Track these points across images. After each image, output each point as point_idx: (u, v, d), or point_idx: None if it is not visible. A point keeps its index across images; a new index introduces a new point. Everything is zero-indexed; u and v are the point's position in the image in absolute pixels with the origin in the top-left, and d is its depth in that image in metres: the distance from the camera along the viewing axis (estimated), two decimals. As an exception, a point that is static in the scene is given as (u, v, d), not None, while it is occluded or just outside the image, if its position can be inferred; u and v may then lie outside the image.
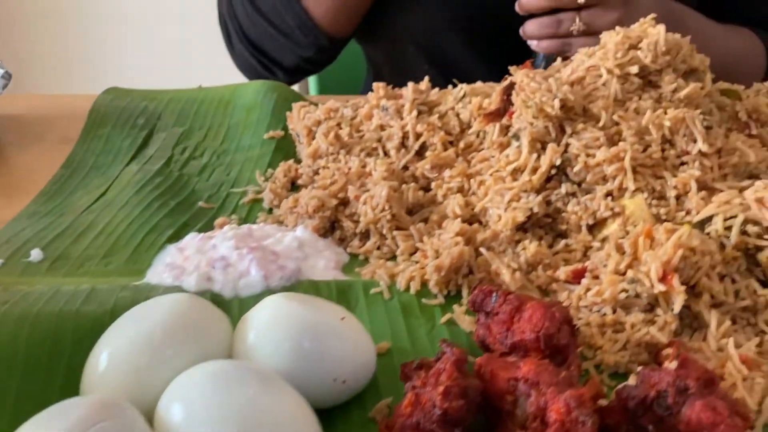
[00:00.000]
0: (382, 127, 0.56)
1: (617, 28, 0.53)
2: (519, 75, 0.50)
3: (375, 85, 0.59)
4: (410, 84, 0.58)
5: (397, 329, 0.41)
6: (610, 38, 0.52)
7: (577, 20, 0.66)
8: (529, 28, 0.70)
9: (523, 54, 0.69)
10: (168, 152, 0.64)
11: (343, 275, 0.46)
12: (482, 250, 0.44)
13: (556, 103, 0.47)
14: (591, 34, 0.67)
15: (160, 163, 0.62)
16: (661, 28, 0.51)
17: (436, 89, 0.60)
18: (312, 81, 1.21)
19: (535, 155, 0.47)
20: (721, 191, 0.44)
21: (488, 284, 0.44)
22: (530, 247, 0.44)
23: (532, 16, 0.70)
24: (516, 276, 0.43)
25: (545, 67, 0.61)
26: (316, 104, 0.64)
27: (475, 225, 0.47)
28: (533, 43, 0.70)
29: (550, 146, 0.47)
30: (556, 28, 0.67)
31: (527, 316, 0.36)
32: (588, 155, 0.46)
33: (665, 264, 0.40)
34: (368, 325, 0.41)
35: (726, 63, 0.83)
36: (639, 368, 0.37)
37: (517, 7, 0.70)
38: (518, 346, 0.36)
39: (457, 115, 0.55)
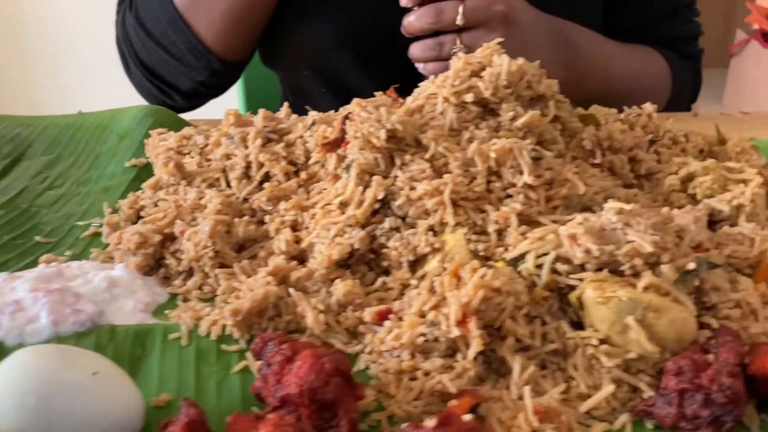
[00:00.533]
0: (227, 156, 0.54)
1: (460, 54, 0.51)
2: (353, 104, 0.48)
3: (227, 111, 0.57)
4: (261, 111, 0.56)
5: (186, 379, 0.39)
6: (453, 65, 0.50)
7: (458, 42, 0.65)
8: (414, 50, 0.68)
9: (416, 75, 0.67)
10: (24, 183, 0.62)
11: (152, 318, 0.44)
12: (291, 290, 0.42)
13: (383, 134, 0.45)
14: None
15: (11, 195, 0.59)
16: (504, 58, 0.49)
17: (294, 116, 0.58)
18: (241, 100, 1.19)
19: (361, 188, 0.45)
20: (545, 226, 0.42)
21: (296, 326, 0.42)
22: (340, 287, 0.42)
23: (419, 38, 0.68)
24: (320, 318, 0.40)
25: None
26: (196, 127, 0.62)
27: (293, 263, 0.44)
28: (419, 66, 0.68)
29: (375, 179, 0.45)
30: (439, 50, 0.66)
31: (296, 367, 0.34)
32: (411, 188, 0.44)
33: (465, 306, 0.37)
34: (156, 375, 0.39)
35: (626, 84, 0.81)
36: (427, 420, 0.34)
37: (402, 30, 0.68)
38: (287, 401, 0.34)
39: (305, 144, 0.53)
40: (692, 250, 0.42)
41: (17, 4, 2.38)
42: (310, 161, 0.51)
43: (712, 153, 0.55)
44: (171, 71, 0.81)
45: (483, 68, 0.49)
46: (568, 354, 0.39)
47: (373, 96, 0.53)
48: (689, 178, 0.47)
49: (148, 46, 0.80)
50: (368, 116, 0.46)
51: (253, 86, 1.15)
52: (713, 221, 0.46)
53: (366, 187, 0.45)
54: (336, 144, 0.49)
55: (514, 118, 0.47)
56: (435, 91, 0.49)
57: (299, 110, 0.66)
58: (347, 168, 0.47)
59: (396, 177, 0.45)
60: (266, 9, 0.78)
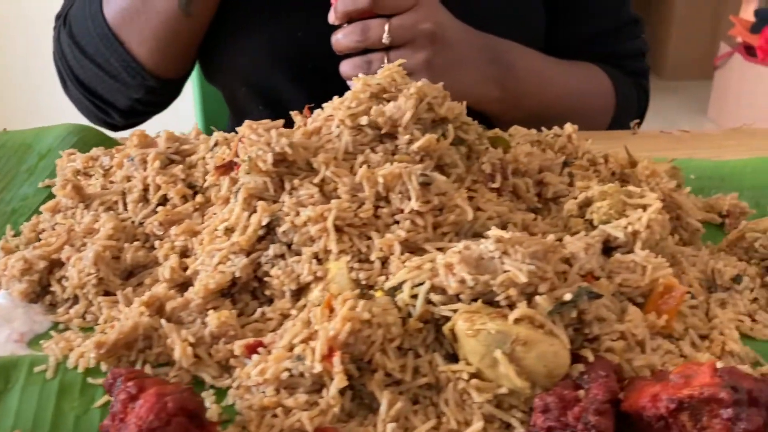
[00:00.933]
0: (128, 179, 0.53)
1: (360, 75, 0.49)
2: (244, 126, 0.47)
3: (132, 132, 0.55)
4: (164, 131, 0.54)
5: (43, 414, 0.37)
6: (358, 85, 0.49)
7: (386, 61, 0.64)
8: (344, 68, 0.67)
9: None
10: None
11: (25, 349, 0.42)
12: (162, 321, 0.40)
13: (270, 157, 0.44)
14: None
15: None
16: (407, 79, 0.48)
17: (203, 136, 0.57)
18: (198, 116, 1.18)
19: (247, 213, 0.44)
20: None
21: (166, 359, 0.40)
22: (213, 317, 0.40)
23: (349, 55, 0.67)
24: (188, 351, 0.39)
25: None
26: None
27: (170, 292, 0.43)
28: (350, 84, 0.67)
29: (260, 204, 0.44)
30: (367, 68, 0.65)
31: (138, 406, 0.32)
32: (297, 214, 0.43)
33: (331, 339, 0.36)
34: (14, 411, 0.37)
35: (565, 101, 0.80)
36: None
37: (333, 48, 0.67)
38: (128, 441, 0.32)
39: (205, 165, 0.52)
40: (581, 278, 0.41)
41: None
42: (206, 184, 0.50)
43: (624, 175, 0.53)
44: (107, 89, 0.80)
45: (383, 90, 0.48)
46: (440, 388, 0.37)
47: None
48: (587, 203, 0.46)
49: (83, 63, 0.79)
50: (258, 139, 0.45)
51: (211, 101, 1.14)
52: (611, 248, 0.44)
53: (253, 212, 0.44)
54: (229, 167, 0.47)
55: (410, 142, 0.46)
56: (332, 114, 0.47)
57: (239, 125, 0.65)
58: (237, 192, 0.46)
59: (282, 203, 0.44)
60: (199, 27, 0.77)
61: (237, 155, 0.47)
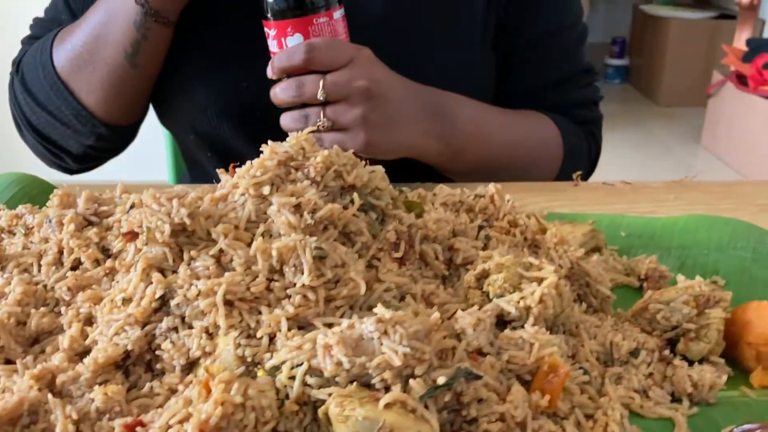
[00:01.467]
0: (45, 240, 0.53)
1: (270, 143, 0.50)
2: (145, 194, 0.47)
3: (54, 192, 0.56)
4: (84, 192, 0.55)
5: None
6: (266, 152, 0.49)
7: (322, 115, 0.65)
8: (283, 121, 0.68)
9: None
10: None
11: None
12: (49, 396, 0.41)
13: (167, 228, 0.44)
14: (338, 129, 0.65)
15: None
16: (317, 155, 0.49)
17: (125, 195, 0.57)
18: (170, 161, 1.19)
19: (144, 284, 0.44)
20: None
21: (52, 435, 0.40)
22: (98, 392, 0.40)
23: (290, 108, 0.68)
24: (70, 428, 0.39)
25: None
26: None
27: (64, 364, 0.43)
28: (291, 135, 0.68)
29: (155, 275, 0.44)
30: (305, 122, 0.66)
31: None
32: (191, 286, 0.43)
33: (203, 423, 0.36)
34: None
35: (510, 152, 0.80)
36: None
37: (272, 100, 0.68)
38: None
39: (120, 228, 0.52)
40: (468, 355, 0.41)
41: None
42: (115, 250, 0.50)
43: (535, 241, 0.53)
44: (60, 135, 0.81)
45: (291, 158, 0.49)
46: (312, 472, 0.37)
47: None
48: (485, 274, 0.46)
49: (35, 110, 0.80)
50: (158, 209, 0.45)
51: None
52: (507, 321, 0.45)
53: (150, 283, 0.44)
54: (135, 235, 0.48)
55: (314, 212, 0.46)
56: (238, 182, 0.48)
57: (193, 170, 0.65)
58: (138, 261, 0.46)
59: (179, 274, 0.44)
60: (146, 78, 0.78)
61: (140, 225, 0.47)
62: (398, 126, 0.69)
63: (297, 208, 0.47)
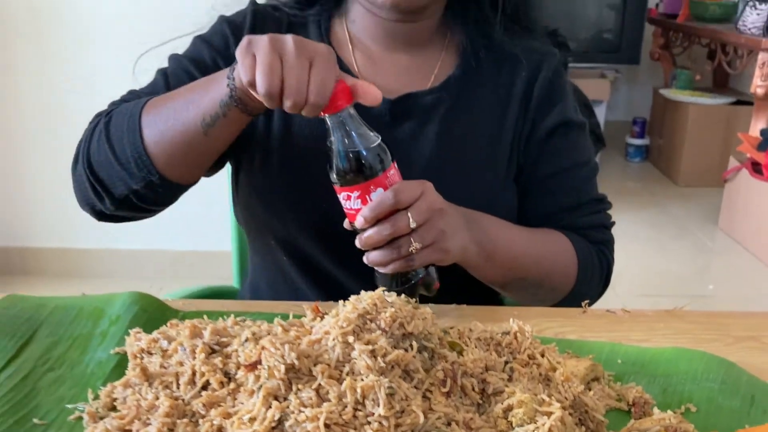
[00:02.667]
0: (180, 363, 0.71)
1: (351, 298, 0.68)
2: (266, 340, 0.65)
3: (184, 325, 0.74)
4: (210, 326, 0.73)
5: None
6: (345, 308, 0.67)
7: (413, 241, 0.80)
8: (375, 257, 0.82)
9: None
10: (32, 364, 0.79)
11: (106, 503, 0.60)
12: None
13: (282, 368, 0.62)
14: (426, 246, 0.81)
15: (20, 377, 0.77)
16: (387, 310, 0.67)
17: (237, 327, 0.75)
18: (235, 268, 1.38)
19: (264, 408, 0.62)
20: (391, 448, 0.58)
21: None
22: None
23: None
24: None
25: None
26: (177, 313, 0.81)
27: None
28: (381, 269, 0.83)
29: (274, 403, 0.62)
30: (398, 253, 0.80)
31: None
32: (300, 412, 0.61)
33: None
34: None
35: (530, 260, 0.98)
36: None
37: (359, 245, 0.82)
38: None
39: (237, 358, 0.70)
40: (496, 471, 0.58)
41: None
42: (238, 375, 0.68)
43: (548, 377, 0.70)
44: (110, 175, 0.91)
45: (367, 312, 0.67)
46: None
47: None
48: (509, 408, 0.63)
49: (102, 147, 0.91)
50: (275, 351, 0.64)
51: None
52: (528, 447, 0.61)
53: (269, 407, 0.62)
54: (254, 366, 0.66)
55: (385, 355, 0.64)
56: (328, 330, 0.66)
57: (265, 272, 0.83)
58: (259, 388, 0.64)
59: (290, 401, 0.62)
60: (213, 149, 0.90)
61: (260, 359, 0.65)
62: (456, 235, 0.85)
63: (372, 353, 0.64)
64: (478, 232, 0.91)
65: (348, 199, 0.81)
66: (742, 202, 3.67)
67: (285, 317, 0.77)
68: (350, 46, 1.03)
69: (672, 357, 0.80)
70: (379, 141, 0.81)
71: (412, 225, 0.79)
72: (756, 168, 3.50)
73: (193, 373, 0.70)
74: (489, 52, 1.04)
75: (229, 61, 0.93)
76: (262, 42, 0.75)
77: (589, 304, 0.95)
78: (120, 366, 0.78)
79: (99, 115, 0.96)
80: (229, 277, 1.43)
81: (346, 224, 0.84)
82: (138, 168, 0.89)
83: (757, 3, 3.81)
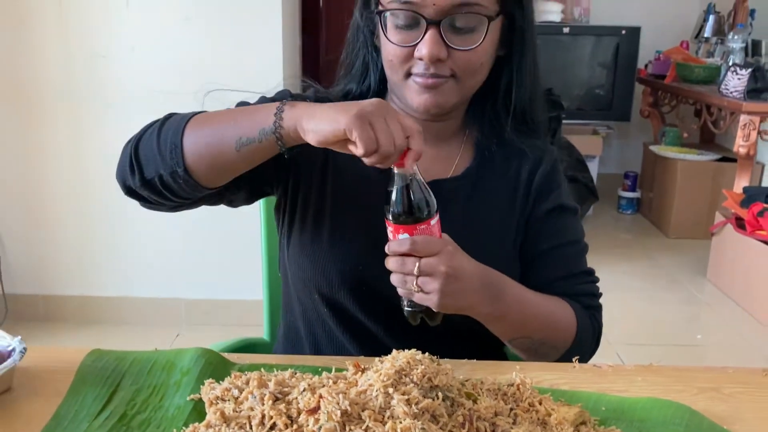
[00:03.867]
0: (251, 408, 0.89)
1: (390, 356, 0.87)
2: (325, 390, 0.83)
3: (251, 379, 0.92)
4: (274, 378, 0.91)
5: None
6: (385, 364, 0.86)
7: (415, 283, 0.99)
8: (392, 279, 1.00)
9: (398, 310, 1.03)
10: (123, 408, 0.97)
11: None
12: (280, 507, 0.76)
13: (338, 413, 0.80)
14: (424, 293, 1.00)
15: (116, 418, 0.94)
16: (418, 367, 0.85)
17: (294, 379, 0.93)
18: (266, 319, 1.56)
19: (325, 445, 0.80)
20: (424, 475, 0.76)
21: None
22: (307, 507, 0.75)
23: None
24: None
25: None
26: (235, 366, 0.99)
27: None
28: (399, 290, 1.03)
29: (332, 441, 0.80)
30: (404, 285, 1.00)
31: None
32: (352, 449, 0.79)
33: None
34: None
35: (539, 319, 1.16)
36: None
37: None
38: None
39: (298, 404, 0.88)
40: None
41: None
42: (300, 419, 0.86)
43: (545, 421, 0.88)
44: (148, 155, 1.03)
45: (403, 369, 0.85)
46: None
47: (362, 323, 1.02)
48: (510, 451, 0.81)
49: (153, 133, 1.04)
50: (332, 399, 0.82)
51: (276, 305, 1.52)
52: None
53: (329, 444, 0.80)
54: (314, 411, 0.84)
55: (417, 403, 0.82)
56: (372, 382, 0.84)
57: (305, 322, 1.04)
58: (319, 429, 0.82)
59: (345, 439, 0.80)
60: (241, 165, 1.03)
61: (319, 404, 0.83)
62: (464, 295, 1.02)
63: (407, 401, 0.83)
64: (494, 294, 1.08)
65: (387, 228, 1.00)
66: (729, 255, 3.86)
67: (327, 370, 0.95)
68: None
69: (647, 405, 0.98)
70: (430, 193, 0.99)
71: (415, 272, 0.98)
72: (740, 223, 3.70)
73: (263, 417, 0.87)
74: (500, 147, 1.24)
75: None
76: (377, 116, 0.91)
77: (584, 361, 1.13)
78: (195, 410, 0.96)
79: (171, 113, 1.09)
80: (240, 324, 1.60)
81: (386, 248, 1.00)
82: (170, 156, 1.00)
83: (738, 68, 4.07)
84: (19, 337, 1.03)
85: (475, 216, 1.21)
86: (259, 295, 1.58)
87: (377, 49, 1.19)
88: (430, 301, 1.00)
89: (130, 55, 2.99)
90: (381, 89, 1.24)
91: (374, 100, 0.95)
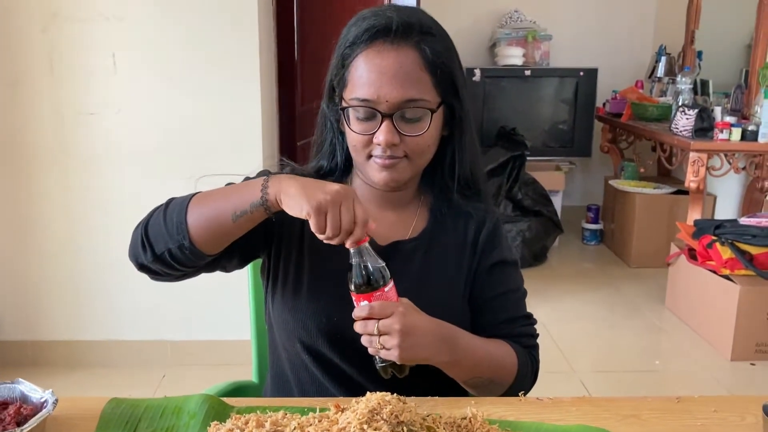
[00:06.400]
0: None
1: (363, 398, 1.07)
2: (310, 428, 1.03)
3: (250, 416, 1.12)
4: (269, 420, 1.11)
5: None
6: (359, 405, 1.06)
7: (377, 340, 1.18)
8: (360, 337, 1.21)
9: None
10: None
11: None
12: None
13: None
14: (386, 348, 1.19)
15: (137, 459, 1.13)
16: (387, 407, 1.06)
17: (285, 420, 1.13)
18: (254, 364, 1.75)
19: (313, 473, 0.99)
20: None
21: None
22: None
23: None
24: None
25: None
26: (233, 408, 1.18)
27: None
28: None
29: (319, 468, 0.99)
30: (369, 343, 1.19)
31: None
32: (335, 474, 0.98)
33: None
34: None
35: (487, 363, 1.36)
36: None
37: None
38: None
39: None
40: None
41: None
42: None
43: (491, 448, 1.09)
44: (157, 233, 1.20)
45: (374, 409, 1.05)
46: None
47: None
48: (466, 469, 1.01)
49: (159, 214, 1.22)
50: (319, 436, 1.02)
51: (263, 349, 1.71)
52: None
53: (316, 472, 0.99)
54: (304, 446, 1.04)
55: (386, 436, 1.02)
56: (350, 420, 1.04)
57: (292, 367, 1.23)
58: (309, 460, 1.01)
59: (329, 467, 0.99)
60: (236, 233, 1.21)
61: None
62: (420, 349, 1.21)
63: None
64: (450, 344, 1.29)
65: (357, 303, 1.17)
66: (683, 284, 4.12)
67: (312, 410, 1.15)
68: None
69: (576, 431, 1.19)
70: (383, 265, 1.15)
71: (375, 331, 1.14)
72: (692, 254, 3.96)
73: (261, 451, 1.07)
74: (450, 210, 1.46)
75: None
76: (333, 206, 1.10)
77: (524, 394, 1.34)
78: (203, 448, 1.15)
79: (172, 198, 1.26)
80: (223, 363, 1.77)
81: (354, 313, 1.16)
82: (177, 232, 1.17)
83: (686, 109, 4.38)
84: (51, 390, 1.21)
85: (431, 271, 1.41)
86: (240, 335, 1.78)
87: (342, 133, 1.41)
88: (393, 355, 1.19)
89: (116, 116, 3.18)
90: (347, 165, 1.46)
91: (337, 187, 1.16)
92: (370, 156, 1.34)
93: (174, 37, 3.15)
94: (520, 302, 1.48)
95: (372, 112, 1.29)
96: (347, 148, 1.41)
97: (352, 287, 1.20)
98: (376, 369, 1.24)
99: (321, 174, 1.46)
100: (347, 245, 1.17)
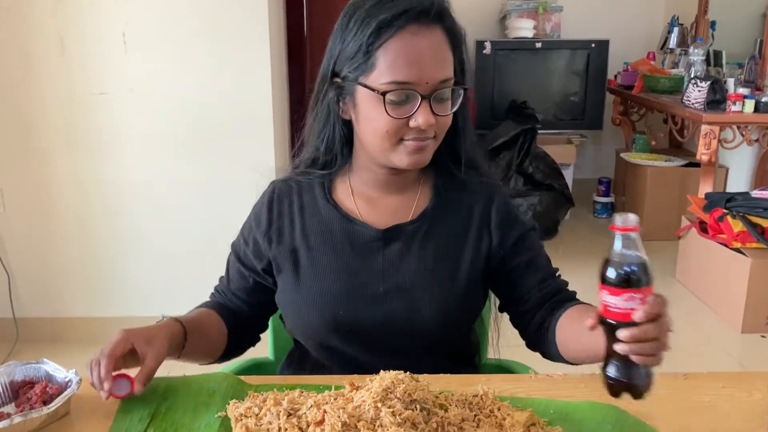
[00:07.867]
0: (270, 422, 1.12)
1: (377, 376, 1.10)
2: (329, 407, 1.07)
3: (268, 394, 1.16)
4: (287, 397, 1.14)
5: None
6: (373, 384, 1.09)
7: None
8: (637, 348, 1.02)
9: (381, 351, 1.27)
10: (164, 426, 1.19)
11: None
12: (298, 498, 0.99)
13: (339, 424, 1.04)
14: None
15: (179, 436, 1.17)
16: (400, 385, 1.09)
17: (302, 398, 1.16)
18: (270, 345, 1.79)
19: (328, 450, 1.03)
20: (407, 469, 0.99)
21: None
22: (319, 497, 0.99)
23: None
24: None
25: None
26: (251, 386, 1.22)
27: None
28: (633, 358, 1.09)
29: (335, 446, 1.03)
30: (654, 349, 1.06)
31: None
32: (351, 451, 1.02)
33: None
34: None
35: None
36: None
37: (623, 335, 1.02)
38: None
39: (307, 417, 1.11)
40: (469, 481, 0.99)
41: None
42: (309, 429, 1.09)
43: (502, 424, 1.12)
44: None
45: (388, 387, 1.09)
46: None
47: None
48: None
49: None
50: (334, 413, 1.05)
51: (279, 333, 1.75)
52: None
53: (331, 450, 1.03)
54: (320, 423, 1.07)
55: (401, 414, 1.06)
56: (365, 399, 1.07)
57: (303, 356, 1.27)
58: (325, 437, 1.05)
59: (345, 445, 1.03)
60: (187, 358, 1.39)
61: (324, 418, 1.06)
62: None
63: (393, 413, 1.06)
64: None
65: (630, 300, 0.99)
66: (694, 257, 4.13)
67: (327, 388, 1.19)
68: (352, 195, 1.47)
69: (586, 408, 1.22)
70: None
71: (672, 329, 1.00)
72: (703, 227, 3.97)
73: (279, 429, 1.10)
74: (454, 188, 1.48)
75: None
76: (96, 356, 1.20)
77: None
78: (222, 426, 1.18)
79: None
80: None
81: (594, 320, 1.05)
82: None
83: (698, 81, 4.34)
84: (74, 370, 1.25)
85: (432, 251, 1.43)
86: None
87: (346, 122, 1.40)
88: (657, 361, 1.03)
89: (128, 96, 3.21)
90: (347, 151, 1.46)
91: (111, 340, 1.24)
92: (400, 140, 1.33)
93: (183, 12, 3.16)
94: (549, 261, 1.51)
95: (409, 94, 1.28)
96: (346, 137, 1.42)
97: (643, 282, 1.00)
98: (602, 383, 1.09)
99: (318, 163, 1.48)
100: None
